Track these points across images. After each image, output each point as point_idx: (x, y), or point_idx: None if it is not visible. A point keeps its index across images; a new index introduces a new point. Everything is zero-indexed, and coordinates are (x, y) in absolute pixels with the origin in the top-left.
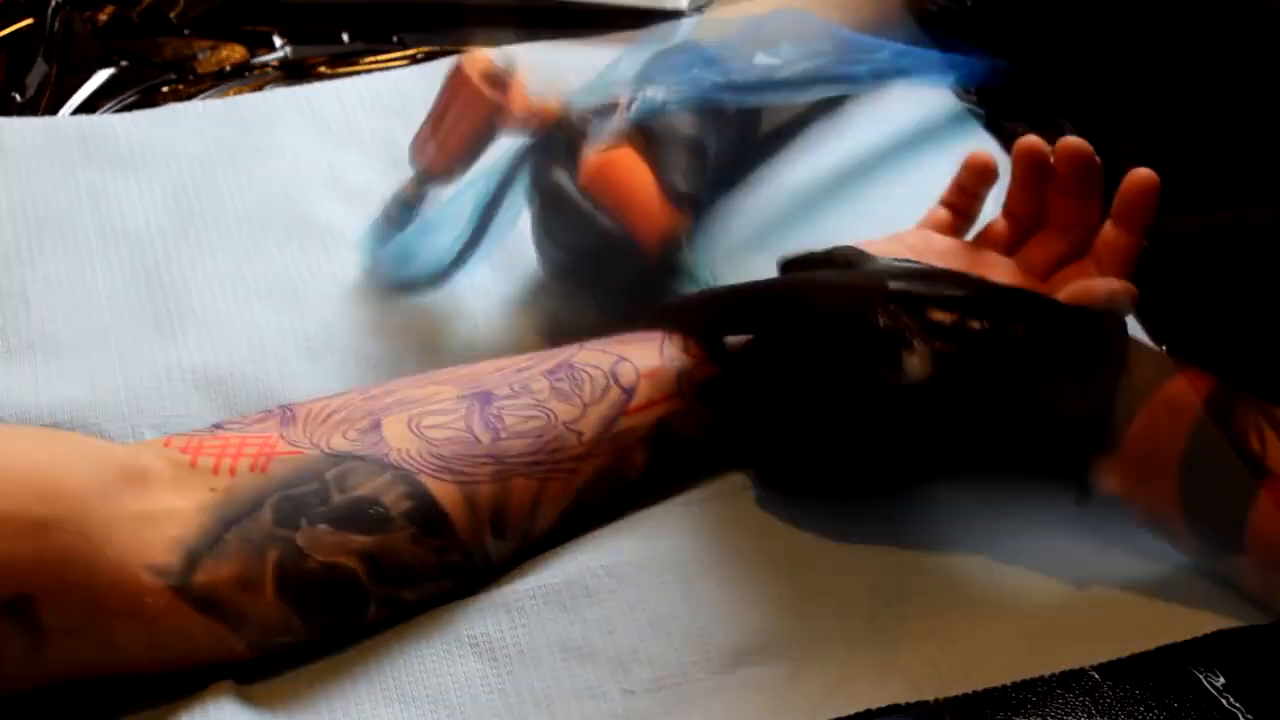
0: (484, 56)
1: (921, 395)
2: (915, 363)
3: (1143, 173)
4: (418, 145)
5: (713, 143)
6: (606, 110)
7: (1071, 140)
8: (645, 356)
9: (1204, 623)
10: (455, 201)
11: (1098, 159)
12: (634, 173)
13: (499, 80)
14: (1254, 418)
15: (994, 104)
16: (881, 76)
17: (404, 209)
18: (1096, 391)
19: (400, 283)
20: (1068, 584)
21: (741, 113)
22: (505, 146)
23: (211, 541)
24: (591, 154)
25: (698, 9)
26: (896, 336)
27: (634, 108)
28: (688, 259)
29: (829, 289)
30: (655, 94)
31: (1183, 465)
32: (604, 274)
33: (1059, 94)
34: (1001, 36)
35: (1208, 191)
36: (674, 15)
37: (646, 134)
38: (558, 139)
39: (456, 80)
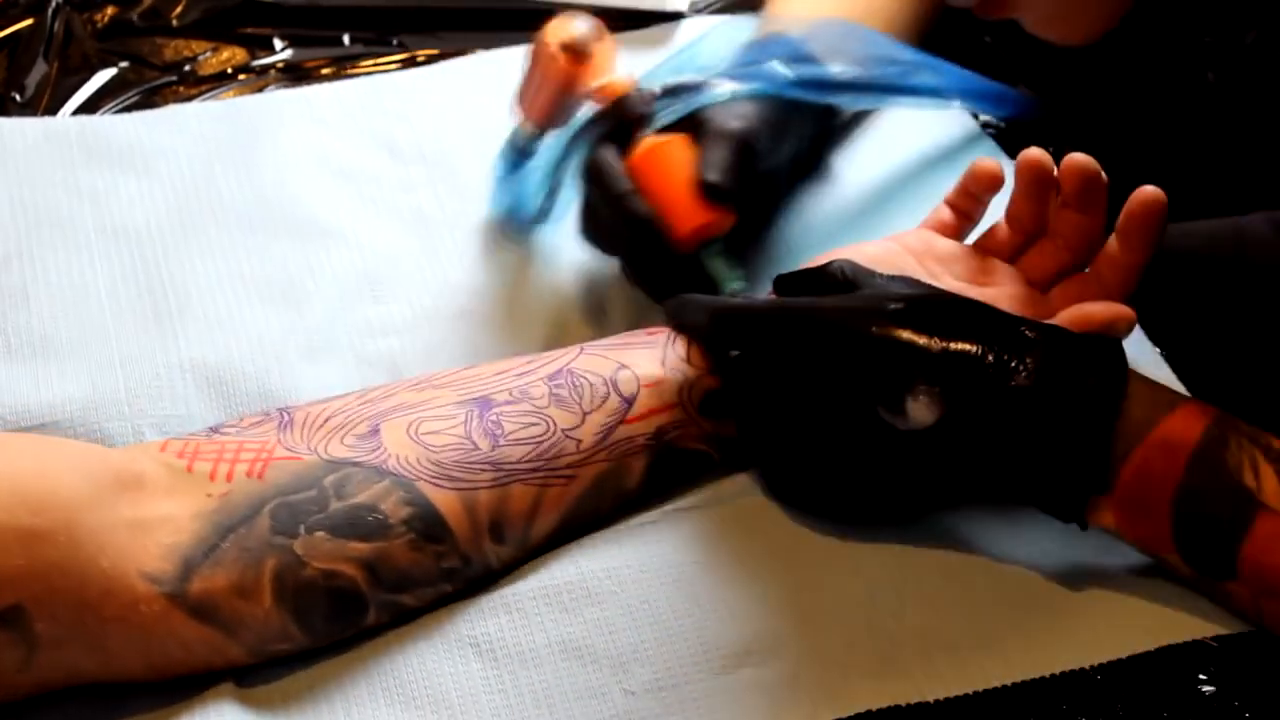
0: (567, 25)
1: (925, 437)
2: (920, 408)
3: (1149, 191)
4: (516, 101)
5: (781, 140)
6: (675, 92)
7: (1077, 156)
8: (647, 364)
9: (1205, 625)
10: (543, 156)
11: (1103, 175)
12: (678, 162)
13: (577, 51)
14: (1249, 451)
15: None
16: (943, 95)
17: (516, 151)
18: (1093, 434)
19: (504, 224)
20: (1068, 585)
21: (823, 109)
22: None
23: (208, 549)
24: (644, 138)
25: (698, 11)
26: (902, 381)
27: (698, 97)
28: (714, 260)
29: (835, 322)
30: (723, 86)
31: (1176, 502)
32: (633, 256)
33: (1071, 114)
34: (1019, 64)
35: (1203, 197)
36: (674, 17)
37: (699, 124)
38: (617, 117)
39: (539, 46)
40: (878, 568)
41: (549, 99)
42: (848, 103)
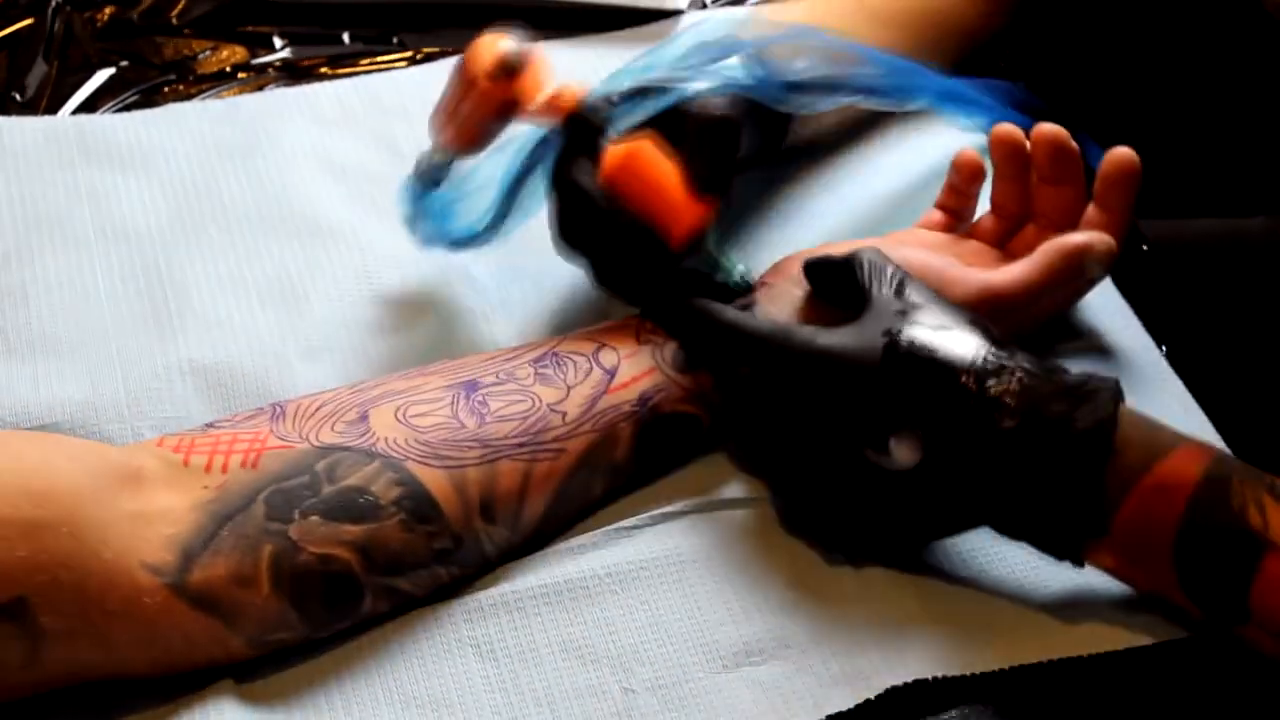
0: (494, 46)
1: (910, 476)
2: (903, 450)
3: (1122, 151)
4: (435, 122)
5: (747, 130)
6: (631, 97)
7: (1045, 126)
8: (625, 339)
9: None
10: (484, 169)
11: (1074, 144)
12: (657, 165)
13: (510, 70)
14: (1253, 491)
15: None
16: (911, 96)
17: (434, 170)
18: (1082, 479)
19: (437, 240)
20: (1067, 580)
21: (772, 115)
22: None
23: (206, 539)
24: (612, 147)
25: (697, 9)
26: (884, 423)
27: (664, 97)
28: (714, 250)
29: (828, 361)
30: (689, 85)
31: (1178, 544)
32: (627, 271)
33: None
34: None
35: (1204, 199)
36: (674, 15)
37: (675, 118)
38: (576, 128)
39: (466, 70)
40: (880, 568)
41: (479, 123)
42: (807, 104)
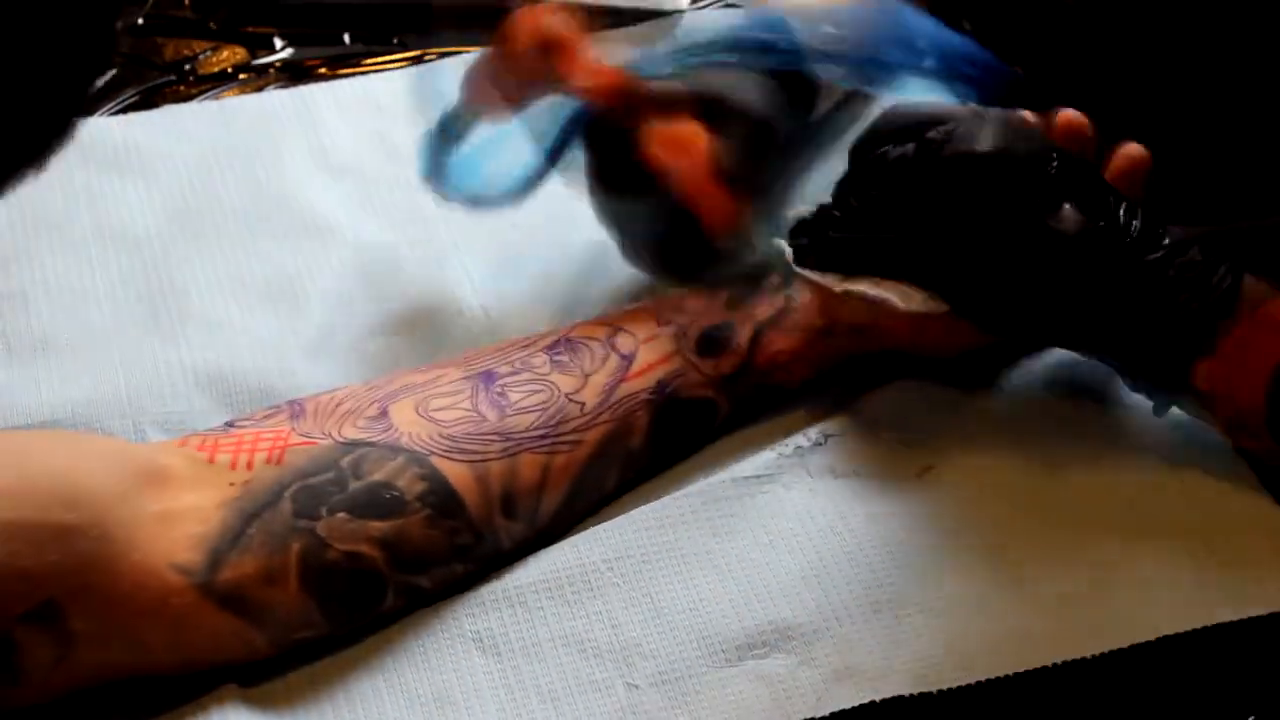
0: (536, 18)
1: (1070, 244)
2: (1073, 217)
3: (1133, 146)
4: (468, 86)
5: (781, 117)
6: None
7: (1072, 114)
8: (643, 324)
9: (1204, 615)
10: (512, 131)
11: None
12: (702, 152)
13: (551, 43)
14: None
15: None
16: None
17: (459, 129)
18: (1215, 293)
19: (463, 197)
20: (1068, 578)
21: (799, 93)
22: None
23: (234, 537)
24: (655, 130)
25: (699, 9)
26: (1062, 187)
27: (695, 74)
28: (751, 239)
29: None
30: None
31: (1274, 375)
32: (675, 255)
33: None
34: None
35: (1222, 201)
36: (673, 14)
37: (713, 108)
38: (618, 111)
39: (509, 39)
40: (882, 560)
41: (519, 90)
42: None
